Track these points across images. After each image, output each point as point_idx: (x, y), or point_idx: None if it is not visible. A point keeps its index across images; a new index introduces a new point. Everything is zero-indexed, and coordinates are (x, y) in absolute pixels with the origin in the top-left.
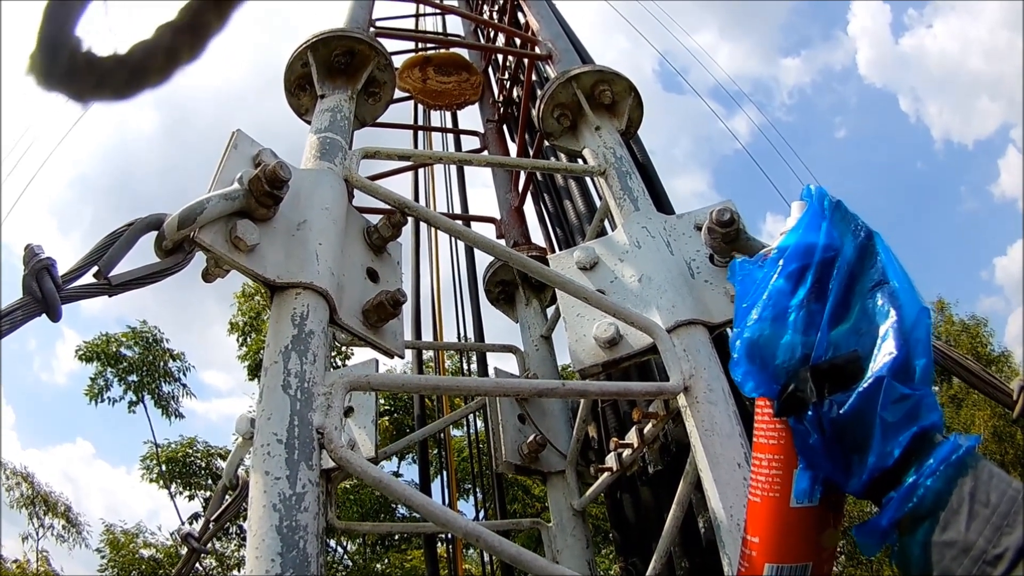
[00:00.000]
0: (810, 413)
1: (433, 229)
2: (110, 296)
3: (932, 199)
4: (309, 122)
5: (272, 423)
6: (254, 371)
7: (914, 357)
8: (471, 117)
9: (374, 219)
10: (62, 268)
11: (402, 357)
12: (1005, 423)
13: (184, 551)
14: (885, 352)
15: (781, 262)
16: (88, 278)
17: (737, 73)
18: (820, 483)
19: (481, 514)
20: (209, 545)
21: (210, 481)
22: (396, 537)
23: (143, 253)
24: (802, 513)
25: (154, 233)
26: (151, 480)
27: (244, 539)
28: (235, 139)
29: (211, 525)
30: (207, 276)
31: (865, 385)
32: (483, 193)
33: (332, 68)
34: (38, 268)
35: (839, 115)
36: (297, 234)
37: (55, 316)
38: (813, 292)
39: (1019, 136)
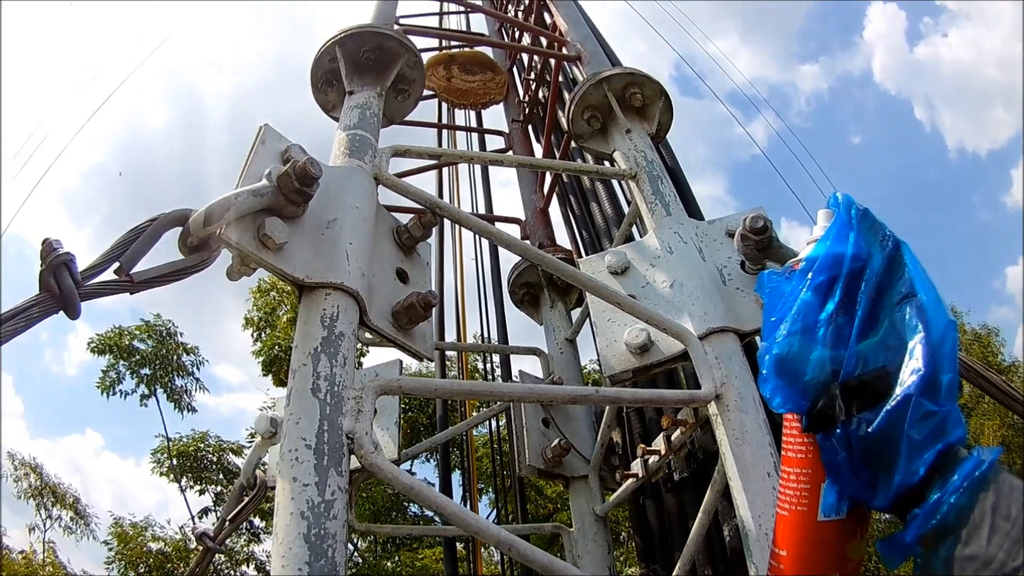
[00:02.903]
0: (838, 431)
1: (457, 229)
2: (131, 293)
3: (945, 208)
4: (336, 118)
5: (301, 427)
6: (268, 366)
7: (941, 372)
8: (495, 117)
9: (401, 217)
10: (82, 263)
11: (432, 360)
12: (1015, 433)
13: (196, 548)
14: (913, 368)
15: (810, 275)
16: (109, 274)
17: (755, 78)
18: (846, 497)
19: (493, 514)
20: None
21: (221, 476)
22: (408, 536)
23: (165, 247)
24: (829, 527)
25: (178, 229)
26: (161, 474)
27: (254, 534)
28: (263, 134)
29: (227, 524)
30: (232, 275)
31: (893, 404)
32: (503, 192)
33: (360, 64)
34: (56, 263)
35: (855, 122)
36: (327, 233)
37: (73, 314)
38: (842, 305)
39: None
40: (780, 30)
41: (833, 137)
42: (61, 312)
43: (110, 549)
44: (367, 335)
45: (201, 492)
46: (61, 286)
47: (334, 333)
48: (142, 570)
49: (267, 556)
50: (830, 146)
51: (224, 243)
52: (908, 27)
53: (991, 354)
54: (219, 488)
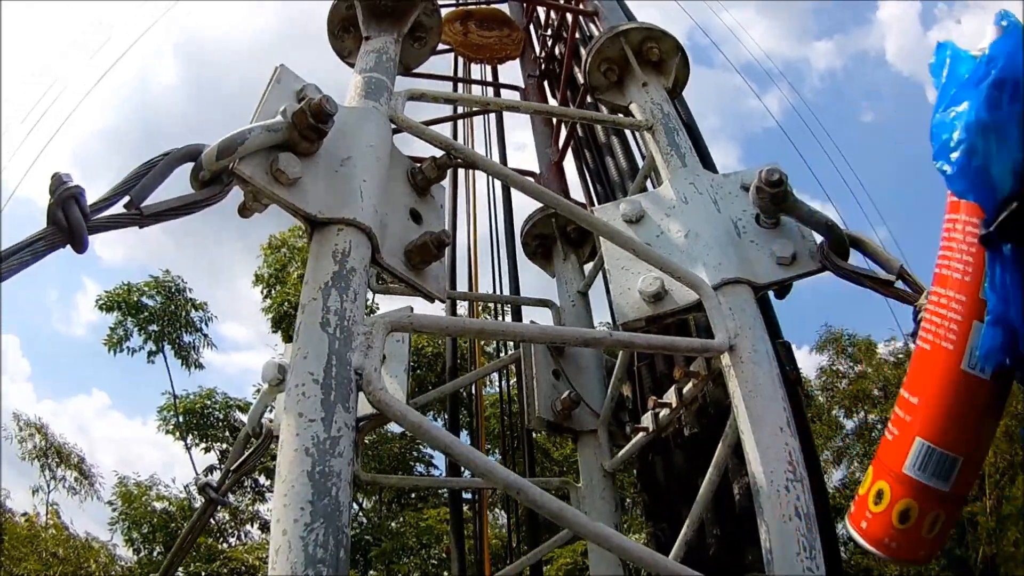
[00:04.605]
0: None
1: (471, 180)
2: (141, 227)
3: None
4: (352, 65)
5: (308, 362)
6: (278, 323)
7: None
8: (511, 74)
9: (417, 163)
10: (92, 199)
11: (443, 301)
12: (1017, 423)
13: (200, 501)
14: None
15: (993, 71)
16: (118, 208)
17: (770, 52)
18: (1003, 346)
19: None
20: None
21: (227, 433)
22: (412, 496)
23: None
24: (970, 382)
25: (190, 165)
26: (167, 432)
27: (258, 493)
28: (278, 74)
29: (231, 475)
30: (244, 211)
31: None
32: (518, 155)
33: (377, 10)
34: (65, 196)
35: (867, 100)
36: (341, 170)
37: (80, 247)
38: None
39: None
40: (795, 5)
41: (845, 114)
42: (68, 246)
43: (114, 510)
44: (376, 283)
45: (207, 450)
46: (69, 219)
47: (345, 268)
48: (146, 530)
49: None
50: (843, 123)
51: (237, 177)
52: (922, 10)
53: None
54: (224, 446)
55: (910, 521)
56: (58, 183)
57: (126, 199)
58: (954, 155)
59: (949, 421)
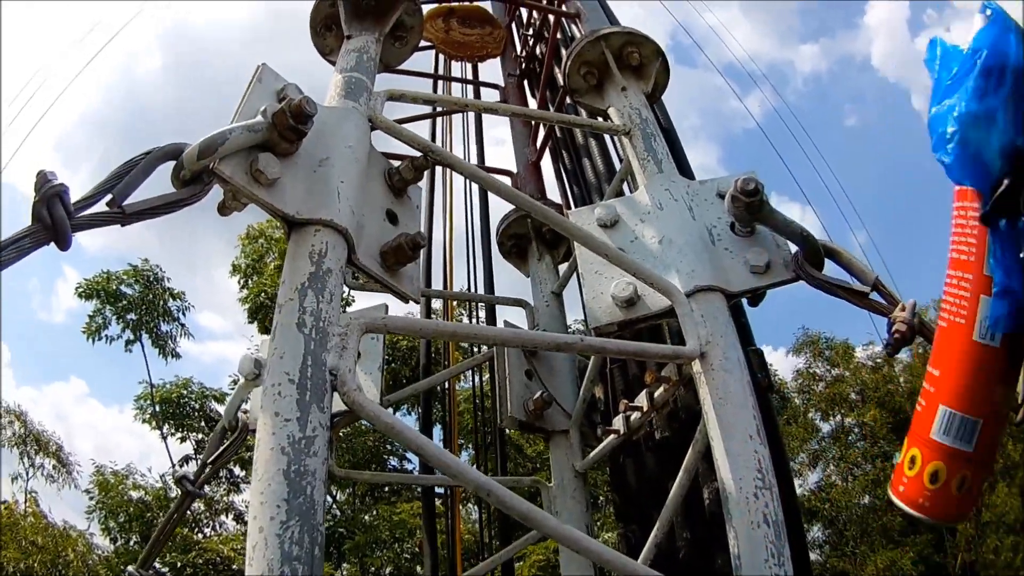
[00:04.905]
0: None
1: (448, 179)
2: (123, 225)
3: (940, 192)
4: (333, 63)
5: (284, 362)
6: (254, 313)
7: None
8: (491, 72)
9: (394, 163)
10: (76, 197)
11: (417, 302)
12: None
13: (177, 493)
14: None
15: (979, 61)
16: (101, 206)
17: (754, 53)
18: (1010, 314)
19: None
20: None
21: (203, 423)
22: (386, 489)
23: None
24: (982, 351)
25: (172, 163)
26: (144, 420)
27: (233, 484)
28: (260, 73)
29: (207, 467)
30: (223, 209)
31: None
32: (497, 151)
33: (360, 10)
34: (49, 194)
35: (852, 104)
36: (319, 171)
37: (64, 245)
38: (1013, 95)
39: None
40: (781, 6)
41: (829, 117)
42: (53, 243)
43: (91, 498)
44: (352, 279)
45: (183, 439)
46: (53, 217)
47: (322, 269)
48: (122, 519)
49: (246, 506)
50: (826, 126)
51: (217, 177)
52: (911, 16)
53: None
54: (200, 436)
55: (939, 482)
56: (43, 181)
57: (108, 197)
58: (950, 146)
59: (966, 388)
